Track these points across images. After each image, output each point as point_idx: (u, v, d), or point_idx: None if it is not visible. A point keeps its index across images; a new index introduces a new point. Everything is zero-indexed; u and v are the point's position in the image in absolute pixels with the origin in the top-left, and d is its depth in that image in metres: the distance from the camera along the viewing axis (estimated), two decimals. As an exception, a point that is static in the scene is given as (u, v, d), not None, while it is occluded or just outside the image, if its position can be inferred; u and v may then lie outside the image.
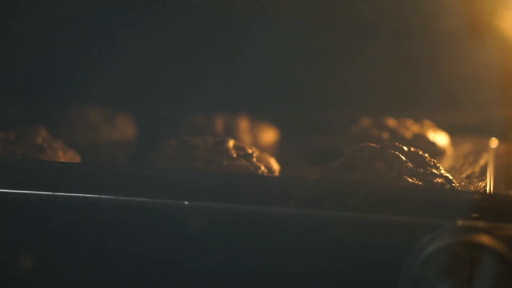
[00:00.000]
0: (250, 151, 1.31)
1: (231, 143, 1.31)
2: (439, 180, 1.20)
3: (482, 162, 1.44)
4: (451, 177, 1.22)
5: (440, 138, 1.52)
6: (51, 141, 1.36)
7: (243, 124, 1.59)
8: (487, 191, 1.25)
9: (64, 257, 1.15)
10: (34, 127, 1.38)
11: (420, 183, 1.19)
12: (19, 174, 1.16)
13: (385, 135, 1.50)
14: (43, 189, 1.14)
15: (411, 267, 1.07)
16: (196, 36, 1.80)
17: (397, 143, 1.25)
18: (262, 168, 1.28)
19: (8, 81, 1.80)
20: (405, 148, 1.24)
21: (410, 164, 1.21)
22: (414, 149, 1.25)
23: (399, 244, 1.08)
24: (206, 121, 1.59)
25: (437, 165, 1.23)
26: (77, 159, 1.38)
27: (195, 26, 1.79)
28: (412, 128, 1.53)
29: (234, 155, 1.29)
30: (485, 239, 1.06)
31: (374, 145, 1.24)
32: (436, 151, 1.49)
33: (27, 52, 1.82)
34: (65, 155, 1.35)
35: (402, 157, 1.21)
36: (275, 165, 1.32)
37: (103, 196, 1.13)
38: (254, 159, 1.29)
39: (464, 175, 1.35)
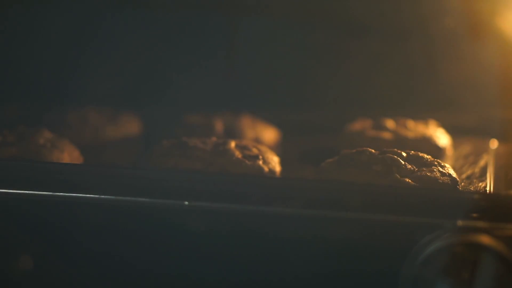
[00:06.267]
0: (255, 151, 1.31)
1: (233, 144, 1.31)
2: (442, 180, 1.20)
3: (482, 163, 1.44)
4: (455, 176, 1.21)
5: (440, 139, 1.52)
6: (56, 141, 1.36)
7: (244, 124, 1.59)
8: (487, 191, 1.25)
9: (64, 257, 1.15)
10: (38, 128, 1.38)
11: (421, 184, 1.19)
12: (19, 175, 1.16)
13: (384, 135, 1.50)
14: (43, 189, 1.14)
15: (411, 267, 1.07)
16: (196, 35, 1.80)
17: (395, 149, 1.25)
18: (266, 169, 1.28)
19: (9, 81, 1.80)
20: (404, 154, 1.24)
21: (409, 166, 1.21)
22: (414, 152, 1.25)
23: (399, 244, 1.08)
24: (206, 121, 1.59)
25: (442, 164, 1.23)
26: (83, 159, 1.38)
27: (195, 25, 1.79)
28: (411, 128, 1.53)
29: (239, 155, 1.29)
30: (485, 239, 1.06)
31: (373, 150, 1.24)
32: (436, 152, 1.49)
33: (29, 52, 1.82)
34: (71, 155, 1.35)
35: (401, 160, 1.21)
36: (278, 166, 1.32)
37: (103, 196, 1.13)
38: (260, 161, 1.29)
39: (464, 176, 1.35)
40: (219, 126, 1.58)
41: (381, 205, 1.09)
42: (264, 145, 1.41)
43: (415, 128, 1.53)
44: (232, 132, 1.56)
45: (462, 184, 1.29)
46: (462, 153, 1.53)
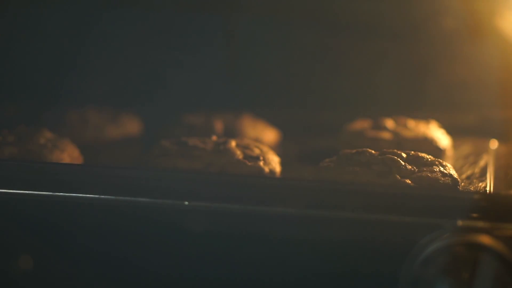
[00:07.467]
0: (257, 151, 1.30)
1: (233, 143, 1.31)
2: (442, 180, 1.20)
3: (482, 163, 1.44)
4: (455, 176, 1.21)
5: (440, 139, 1.52)
6: (56, 141, 1.36)
7: (244, 124, 1.59)
8: (487, 191, 1.25)
9: (64, 257, 1.15)
10: (38, 128, 1.38)
11: (421, 184, 1.19)
12: (19, 175, 1.16)
13: (384, 135, 1.50)
14: (43, 189, 1.14)
15: (411, 267, 1.07)
16: (196, 35, 1.80)
17: (395, 150, 1.25)
18: (266, 169, 1.28)
19: (9, 81, 1.80)
20: (404, 154, 1.24)
21: (409, 167, 1.21)
22: (414, 153, 1.25)
23: (399, 244, 1.08)
24: (206, 121, 1.59)
25: (443, 163, 1.23)
26: (83, 159, 1.38)
27: (195, 25, 1.79)
28: (411, 128, 1.53)
29: (240, 155, 1.29)
30: (485, 239, 1.06)
31: (373, 151, 1.24)
32: (436, 152, 1.49)
33: (29, 52, 1.81)
34: (71, 155, 1.35)
35: (401, 161, 1.21)
36: (278, 166, 1.32)
37: (103, 196, 1.13)
38: (261, 162, 1.29)
39: (464, 176, 1.35)
40: (219, 126, 1.58)
41: (381, 205, 1.09)
42: (265, 144, 1.41)
43: (415, 128, 1.53)
44: (232, 132, 1.56)
45: (462, 184, 1.29)
46: (462, 153, 1.53)
